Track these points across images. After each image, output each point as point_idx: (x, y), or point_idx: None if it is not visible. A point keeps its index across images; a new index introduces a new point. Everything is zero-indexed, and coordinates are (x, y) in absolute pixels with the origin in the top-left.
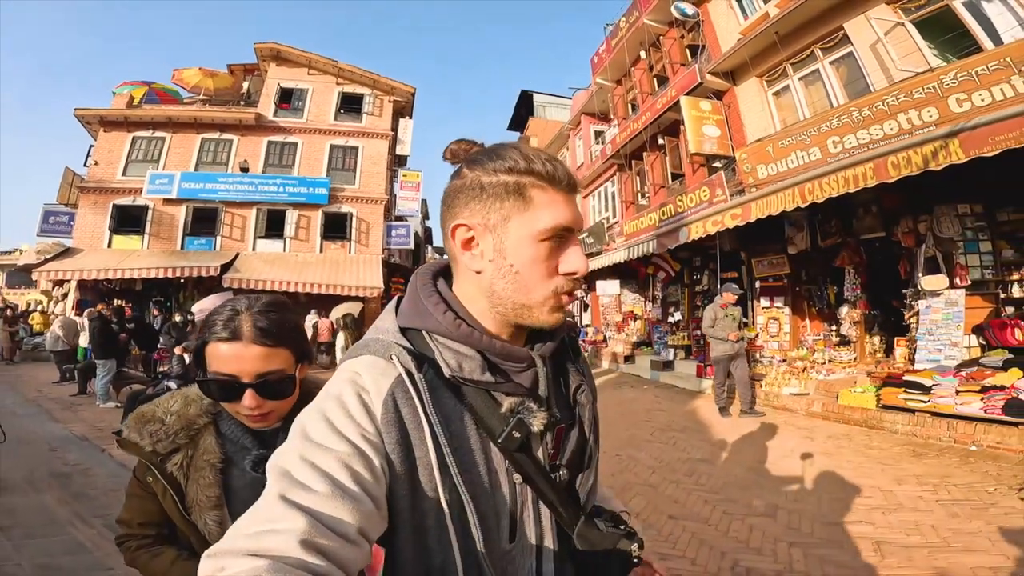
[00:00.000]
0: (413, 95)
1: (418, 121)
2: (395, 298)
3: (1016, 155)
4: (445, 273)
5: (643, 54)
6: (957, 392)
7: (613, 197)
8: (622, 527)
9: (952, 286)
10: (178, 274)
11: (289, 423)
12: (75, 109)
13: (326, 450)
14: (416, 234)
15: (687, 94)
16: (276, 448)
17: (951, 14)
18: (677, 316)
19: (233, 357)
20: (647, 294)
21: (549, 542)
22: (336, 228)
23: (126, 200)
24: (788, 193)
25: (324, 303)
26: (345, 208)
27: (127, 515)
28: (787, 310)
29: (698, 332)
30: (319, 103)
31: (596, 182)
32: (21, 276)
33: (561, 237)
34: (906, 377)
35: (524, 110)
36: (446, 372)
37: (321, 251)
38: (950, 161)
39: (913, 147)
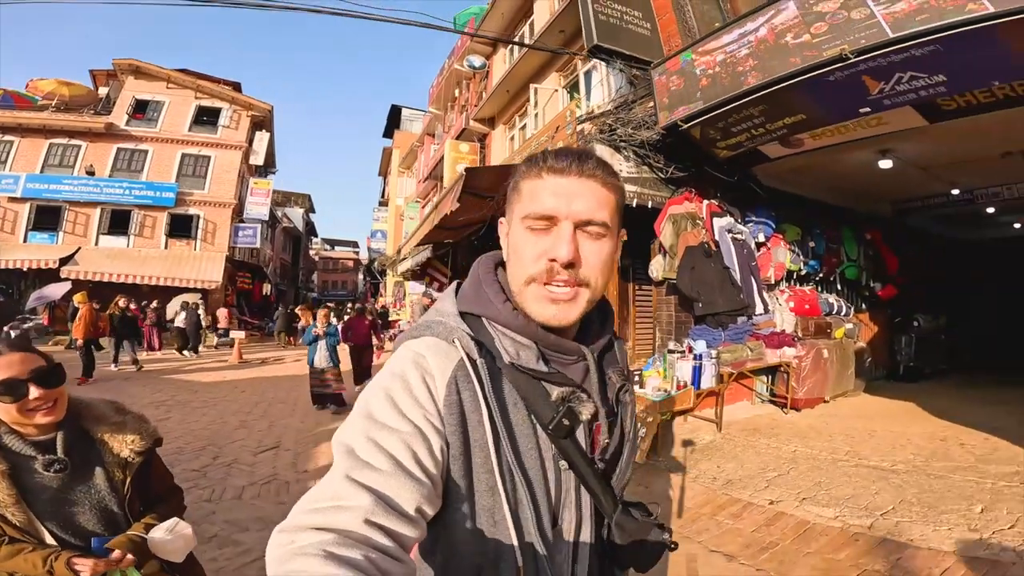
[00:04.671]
0: (271, 111)
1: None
2: (455, 283)
3: None
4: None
5: (457, 92)
6: None
7: None
8: (652, 517)
9: None
10: (16, 265)
11: (66, 429)
12: None
13: (390, 430)
14: (295, 228)
15: (457, 137)
16: (55, 451)
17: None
18: None
19: (4, 365)
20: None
21: (587, 528)
22: (182, 228)
23: None
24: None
25: (164, 294)
26: (193, 210)
27: None
28: None
29: None
30: (175, 115)
31: (428, 196)
32: None
33: (544, 223)
34: None
35: (393, 123)
36: (505, 359)
37: (166, 248)
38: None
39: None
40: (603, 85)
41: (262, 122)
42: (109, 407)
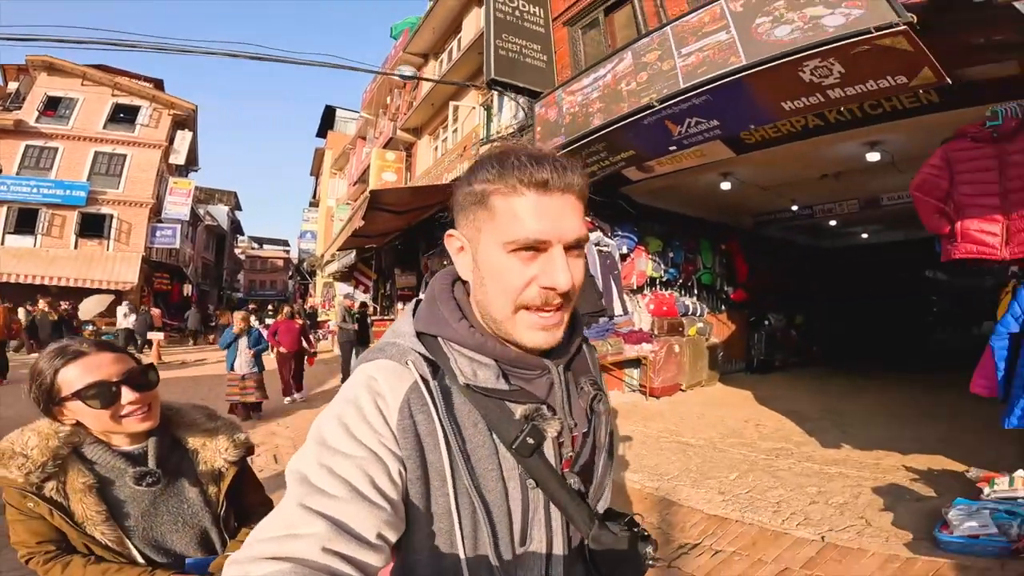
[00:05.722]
0: (195, 110)
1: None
2: (413, 301)
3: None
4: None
5: (389, 100)
6: None
7: None
8: (636, 529)
9: None
10: None
11: (158, 438)
12: None
13: (344, 456)
14: (219, 226)
15: (385, 145)
16: (147, 462)
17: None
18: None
19: (93, 366)
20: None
21: (559, 545)
22: (94, 227)
23: None
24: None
25: (74, 295)
26: (106, 210)
27: (21, 537)
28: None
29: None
30: (89, 112)
31: (358, 199)
32: None
33: (535, 249)
34: None
35: (327, 123)
36: (460, 380)
37: (76, 247)
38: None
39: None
40: (510, 108)
41: (185, 121)
42: (200, 413)
